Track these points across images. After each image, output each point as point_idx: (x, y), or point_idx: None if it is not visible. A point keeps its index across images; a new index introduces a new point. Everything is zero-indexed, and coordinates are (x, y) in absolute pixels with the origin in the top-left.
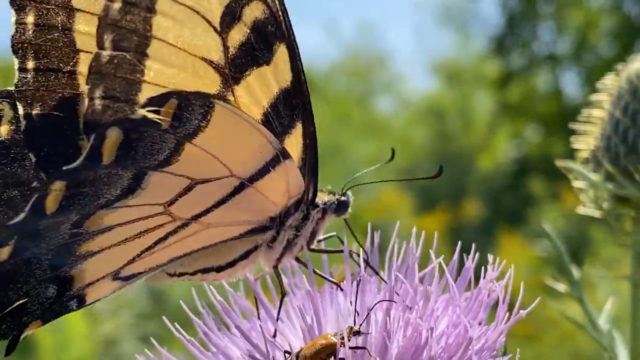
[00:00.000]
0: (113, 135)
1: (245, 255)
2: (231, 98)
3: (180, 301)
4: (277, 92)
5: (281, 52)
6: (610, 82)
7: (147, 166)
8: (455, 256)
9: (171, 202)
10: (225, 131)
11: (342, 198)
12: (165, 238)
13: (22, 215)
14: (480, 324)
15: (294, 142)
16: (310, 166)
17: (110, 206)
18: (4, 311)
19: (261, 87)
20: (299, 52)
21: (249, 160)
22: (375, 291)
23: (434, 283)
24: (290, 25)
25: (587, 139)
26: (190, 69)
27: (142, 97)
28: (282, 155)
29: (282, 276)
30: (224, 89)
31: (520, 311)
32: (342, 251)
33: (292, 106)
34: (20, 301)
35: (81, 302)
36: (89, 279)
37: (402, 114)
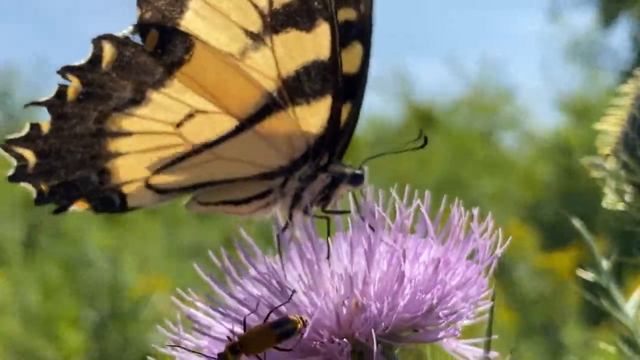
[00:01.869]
0: (107, 48)
1: (260, 196)
2: (268, 43)
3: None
4: (312, 60)
5: (323, 29)
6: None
7: (144, 82)
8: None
9: (179, 125)
10: (212, 69)
11: (357, 171)
12: (182, 158)
13: (49, 97)
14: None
15: (322, 110)
16: (329, 137)
17: (122, 111)
18: (54, 182)
19: (298, 48)
20: (337, 40)
21: (244, 102)
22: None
23: (409, 220)
24: (336, 12)
25: (608, 138)
26: (236, 3)
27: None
28: (274, 104)
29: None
30: (262, 32)
31: (497, 250)
32: (348, 212)
33: (325, 79)
34: (68, 178)
35: (123, 201)
36: (123, 177)
37: (527, 150)
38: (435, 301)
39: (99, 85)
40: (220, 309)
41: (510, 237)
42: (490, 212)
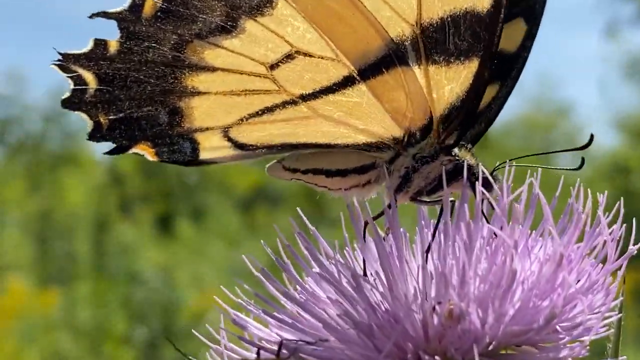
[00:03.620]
0: None
1: (360, 170)
2: None
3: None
4: (465, 8)
5: None
6: None
7: (239, 7)
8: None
9: (274, 66)
10: (323, 1)
11: (486, 175)
12: (272, 110)
13: (121, 8)
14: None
15: (462, 76)
16: (464, 110)
17: (207, 39)
18: (115, 116)
19: None
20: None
21: (357, 47)
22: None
23: (521, 205)
24: None
25: None
26: None
27: None
28: (397, 57)
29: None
30: None
31: (630, 247)
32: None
33: (476, 37)
34: (130, 111)
35: (194, 150)
36: (199, 123)
37: (584, 170)
38: (557, 310)
39: (183, 1)
40: (275, 315)
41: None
42: (558, 189)
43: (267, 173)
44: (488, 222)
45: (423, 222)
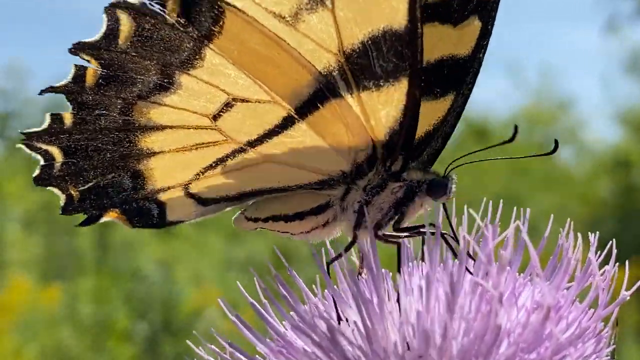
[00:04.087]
0: (124, 19)
1: (317, 211)
2: (327, 2)
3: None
4: (383, 27)
5: None
6: None
7: (170, 63)
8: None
9: (216, 116)
10: (248, 44)
11: (438, 177)
12: (224, 160)
13: (64, 81)
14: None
15: (395, 98)
16: (405, 132)
17: (148, 99)
18: (83, 186)
19: (365, 10)
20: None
21: (289, 87)
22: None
23: (508, 249)
24: None
25: None
26: None
27: None
28: (328, 90)
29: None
30: None
31: (623, 292)
32: (425, 233)
33: (400, 55)
34: (96, 180)
35: (162, 212)
36: (160, 183)
37: (585, 165)
38: None
39: (119, 66)
40: None
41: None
42: (547, 228)
43: (234, 226)
44: (473, 259)
45: (408, 263)
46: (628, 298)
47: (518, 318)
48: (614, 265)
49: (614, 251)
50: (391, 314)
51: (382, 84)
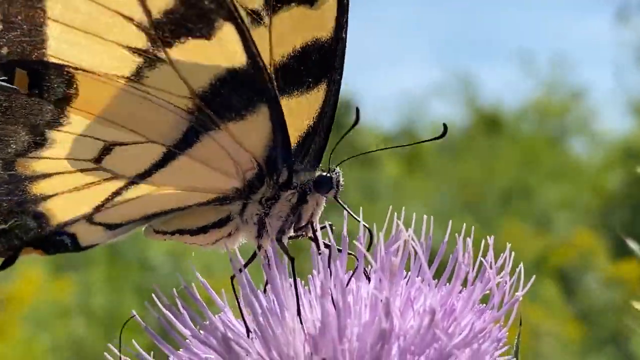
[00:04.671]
0: None
1: (219, 224)
2: (163, 57)
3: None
4: (225, 69)
5: (228, 31)
6: None
7: (37, 124)
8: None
9: (97, 160)
10: (108, 98)
11: (320, 174)
12: (118, 193)
13: None
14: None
15: (259, 121)
16: (280, 147)
17: (26, 156)
18: None
19: (203, 59)
20: (250, 39)
21: (161, 128)
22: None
23: (399, 256)
24: (235, 6)
25: None
26: (104, 21)
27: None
28: (203, 125)
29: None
30: (151, 47)
31: (516, 293)
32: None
33: (249, 88)
34: (1, 226)
35: (74, 240)
36: (62, 219)
37: (596, 156)
38: None
39: None
40: None
41: (530, 280)
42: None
43: (144, 236)
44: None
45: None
46: (520, 299)
47: (412, 322)
48: (512, 272)
49: (507, 253)
50: (292, 321)
51: (243, 113)
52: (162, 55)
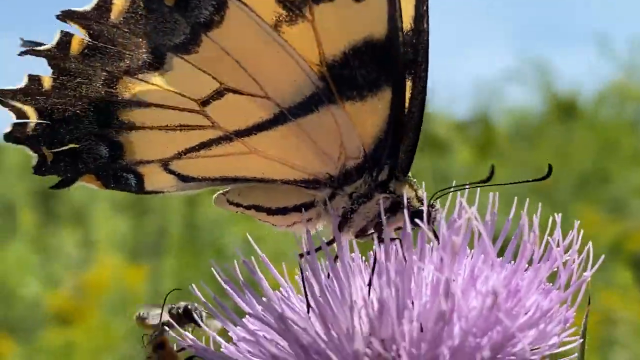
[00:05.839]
0: None
1: (300, 208)
2: (307, 14)
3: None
4: (363, 38)
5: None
6: None
7: (164, 44)
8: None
9: (205, 102)
10: (248, 38)
11: (421, 207)
12: (208, 145)
13: (48, 45)
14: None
15: (378, 107)
16: (391, 142)
17: (136, 75)
18: (57, 149)
19: (344, 21)
20: (399, 8)
21: (284, 86)
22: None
23: (460, 235)
24: None
25: None
26: None
27: None
28: (325, 95)
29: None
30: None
31: (584, 273)
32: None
33: (381, 64)
34: (72, 145)
35: (140, 181)
36: (139, 156)
37: None
38: (486, 353)
39: (109, 39)
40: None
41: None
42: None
43: (214, 204)
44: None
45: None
46: (589, 279)
47: (475, 303)
48: (581, 251)
49: (575, 232)
50: (354, 301)
51: (365, 94)
52: (306, 10)
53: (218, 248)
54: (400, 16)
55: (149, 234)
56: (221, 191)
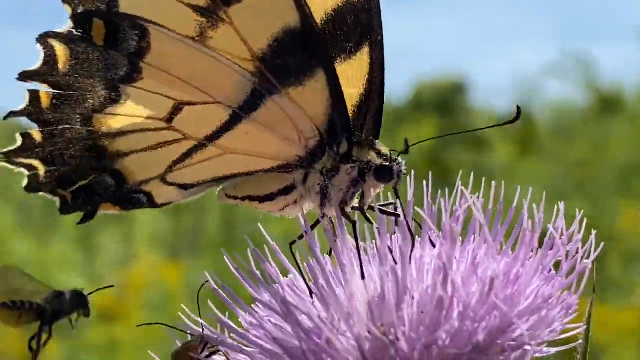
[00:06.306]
0: (57, 46)
1: (284, 192)
2: (224, 17)
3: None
4: (281, 28)
5: None
6: None
7: (113, 79)
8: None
9: (169, 119)
10: (179, 55)
11: (383, 163)
12: (189, 154)
13: (22, 105)
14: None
15: (318, 87)
16: (340, 118)
17: (102, 111)
18: (72, 188)
19: (259, 17)
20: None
21: (227, 89)
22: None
23: (459, 223)
24: None
25: None
26: None
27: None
28: (265, 88)
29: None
30: (212, 6)
31: (584, 261)
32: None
33: (306, 49)
34: (81, 182)
35: (150, 198)
36: (139, 177)
37: None
38: (481, 337)
39: (67, 86)
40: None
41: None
42: (514, 199)
43: (217, 199)
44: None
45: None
46: (590, 266)
47: (474, 289)
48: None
49: (578, 219)
50: (353, 285)
51: (302, 78)
52: (222, 14)
53: (257, 245)
54: (305, 1)
55: (187, 231)
56: (220, 187)
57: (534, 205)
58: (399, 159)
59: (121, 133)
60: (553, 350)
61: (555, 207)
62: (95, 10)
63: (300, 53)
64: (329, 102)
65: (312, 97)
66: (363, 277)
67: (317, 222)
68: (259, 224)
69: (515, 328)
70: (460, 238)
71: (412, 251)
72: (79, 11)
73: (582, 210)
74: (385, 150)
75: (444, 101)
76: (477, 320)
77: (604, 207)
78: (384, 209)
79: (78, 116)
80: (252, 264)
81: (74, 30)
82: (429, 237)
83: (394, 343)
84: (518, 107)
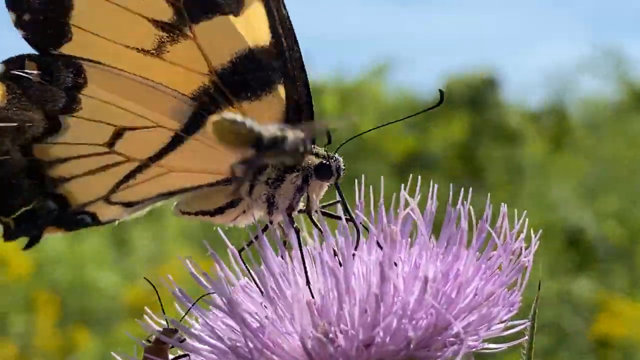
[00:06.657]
0: None
1: (232, 205)
2: (188, 33)
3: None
4: (249, 46)
5: (256, 9)
6: None
7: (52, 110)
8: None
9: (110, 144)
10: (118, 86)
11: (321, 162)
12: (132, 175)
13: None
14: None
15: (274, 102)
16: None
17: (42, 141)
18: (14, 215)
19: (227, 33)
20: (284, 17)
21: (168, 114)
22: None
23: (399, 223)
24: None
25: None
26: None
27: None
28: (204, 110)
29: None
30: (177, 21)
31: (522, 259)
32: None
33: (270, 67)
34: (24, 208)
35: (95, 218)
36: (82, 200)
37: None
38: (412, 334)
39: (6, 119)
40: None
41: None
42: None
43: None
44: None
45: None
46: (527, 264)
47: (415, 288)
48: (516, 232)
49: (521, 220)
50: (298, 287)
51: (259, 93)
52: (187, 30)
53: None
54: (281, 24)
55: (216, 228)
56: (175, 203)
57: (465, 202)
58: (337, 155)
59: (62, 160)
60: (503, 346)
61: (504, 208)
62: (26, 55)
63: (263, 70)
64: (283, 115)
65: (267, 110)
66: (308, 283)
67: (265, 229)
68: (218, 229)
69: (454, 325)
70: (409, 240)
71: (355, 249)
72: (12, 58)
73: (526, 211)
74: (321, 150)
75: (476, 97)
76: (414, 318)
77: (637, 202)
78: (326, 210)
79: (18, 147)
80: (217, 267)
81: (11, 68)
82: (376, 239)
83: (334, 341)
84: (440, 91)
